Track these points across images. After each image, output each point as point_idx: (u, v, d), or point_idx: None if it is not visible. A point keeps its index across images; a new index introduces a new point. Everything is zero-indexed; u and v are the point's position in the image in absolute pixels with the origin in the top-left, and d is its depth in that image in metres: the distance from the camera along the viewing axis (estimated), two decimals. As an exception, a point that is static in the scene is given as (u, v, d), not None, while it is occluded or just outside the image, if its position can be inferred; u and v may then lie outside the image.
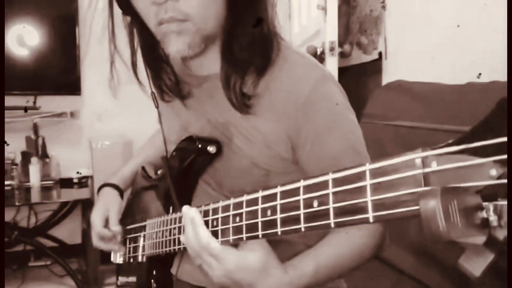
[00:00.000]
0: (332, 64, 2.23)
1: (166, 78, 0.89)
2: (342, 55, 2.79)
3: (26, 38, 2.72)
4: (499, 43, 1.65)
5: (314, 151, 0.77)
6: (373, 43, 2.59)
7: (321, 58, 2.26)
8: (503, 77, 1.57)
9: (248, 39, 0.76)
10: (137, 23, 0.82)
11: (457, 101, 1.55)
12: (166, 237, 0.84)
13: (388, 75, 2.34)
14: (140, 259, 0.97)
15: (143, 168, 1.10)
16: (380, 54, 2.48)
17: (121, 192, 1.07)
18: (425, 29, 2.08)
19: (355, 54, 2.81)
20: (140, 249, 0.97)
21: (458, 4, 1.90)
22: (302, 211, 0.50)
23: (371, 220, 0.40)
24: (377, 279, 1.50)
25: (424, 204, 0.32)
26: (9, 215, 2.73)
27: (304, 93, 0.75)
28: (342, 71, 2.53)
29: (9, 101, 2.59)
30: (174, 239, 0.80)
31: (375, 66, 2.52)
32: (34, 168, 2.62)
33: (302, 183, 0.50)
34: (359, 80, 2.77)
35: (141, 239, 0.97)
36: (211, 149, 0.82)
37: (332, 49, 2.22)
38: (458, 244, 0.32)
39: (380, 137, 1.75)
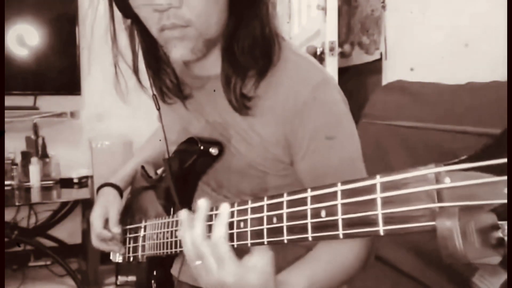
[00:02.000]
0: (332, 64, 2.23)
1: (167, 80, 0.89)
2: (342, 55, 2.79)
3: (26, 38, 2.71)
4: (499, 43, 1.65)
5: (308, 158, 0.76)
6: (375, 43, 2.58)
7: (321, 58, 2.25)
8: (503, 77, 1.57)
9: (249, 42, 0.76)
10: (137, 25, 0.82)
11: (457, 101, 1.55)
12: (167, 238, 0.83)
13: (388, 75, 2.34)
14: (140, 259, 0.97)
15: (142, 167, 1.10)
16: (381, 54, 2.48)
17: (120, 192, 1.07)
18: (425, 29, 2.08)
19: (357, 54, 2.81)
20: (140, 249, 0.97)
21: (458, 4, 1.90)
22: (309, 220, 0.49)
23: (381, 233, 0.40)
24: (377, 279, 1.51)
25: (441, 224, 0.32)
26: (9, 215, 2.73)
27: (303, 97, 0.75)
28: (343, 71, 2.53)
29: (9, 101, 2.58)
30: (176, 241, 0.80)
31: (375, 66, 2.52)
32: (34, 168, 2.62)
33: (309, 194, 0.49)
34: (359, 80, 2.77)
35: (141, 239, 0.97)
36: (213, 150, 0.82)
37: (332, 49, 2.22)
38: (473, 264, 0.32)
39: (380, 137, 1.75)
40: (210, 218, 0.65)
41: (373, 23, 2.60)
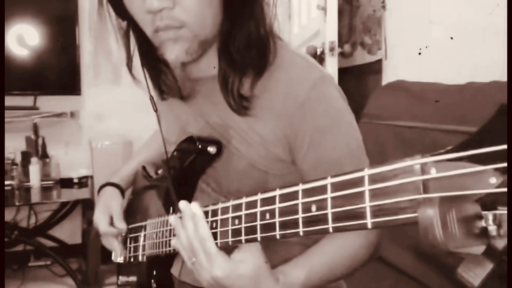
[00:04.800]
0: (332, 64, 2.24)
1: (165, 79, 0.89)
2: (342, 55, 2.79)
3: (26, 38, 2.72)
4: (499, 43, 1.65)
5: (311, 154, 0.76)
6: (377, 43, 2.58)
7: (321, 58, 2.26)
8: (503, 77, 1.57)
9: (244, 41, 0.76)
10: (134, 27, 0.82)
11: (457, 101, 1.54)
12: (166, 237, 0.84)
13: (388, 75, 2.34)
14: (140, 258, 0.97)
15: (143, 167, 1.10)
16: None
17: (122, 191, 1.07)
18: (425, 29, 2.08)
19: (360, 54, 2.81)
20: (141, 249, 0.97)
21: (458, 4, 1.90)
22: (300, 215, 0.49)
23: (369, 226, 0.40)
24: (377, 279, 1.51)
25: (422, 213, 0.32)
26: (9, 215, 2.73)
27: (302, 95, 0.75)
28: (343, 71, 2.53)
29: (9, 101, 2.59)
30: (175, 240, 0.80)
31: (375, 66, 2.52)
32: (34, 168, 2.62)
33: (300, 187, 0.50)
34: (359, 80, 2.77)
35: (141, 238, 0.97)
36: (212, 149, 0.82)
37: (332, 49, 2.22)
38: (457, 253, 0.32)
39: (380, 137, 1.75)
40: (206, 215, 0.68)
41: (375, 23, 2.59)
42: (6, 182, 2.56)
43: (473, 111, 1.44)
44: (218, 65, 0.80)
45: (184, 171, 0.87)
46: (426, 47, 2.04)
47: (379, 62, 2.48)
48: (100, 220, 0.99)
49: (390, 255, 1.53)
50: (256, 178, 0.82)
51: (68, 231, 2.95)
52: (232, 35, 0.76)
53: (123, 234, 1.02)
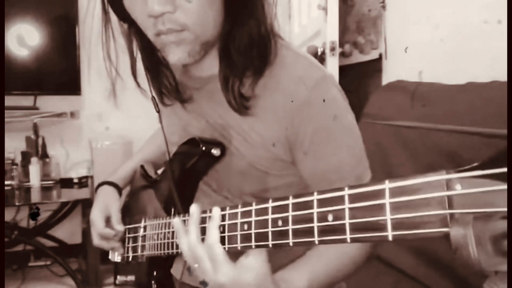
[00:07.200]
0: (333, 64, 2.24)
1: (166, 82, 0.89)
2: (343, 55, 2.79)
3: (26, 38, 2.72)
4: (499, 43, 1.65)
5: (311, 155, 0.76)
6: (371, 43, 2.58)
7: (321, 58, 2.26)
8: (503, 77, 1.57)
9: (245, 41, 0.76)
10: (135, 29, 0.82)
11: (457, 101, 1.55)
12: (168, 239, 0.83)
13: (388, 75, 2.34)
14: (139, 259, 0.97)
15: (142, 167, 1.10)
16: (380, 54, 2.48)
17: (119, 190, 1.06)
18: (425, 29, 2.09)
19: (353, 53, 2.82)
20: (139, 249, 0.96)
21: (458, 4, 1.90)
22: (316, 224, 0.49)
23: (390, 238, 0.40)
24: (377, 279, 1.51)
25: (456, 232, 0.32)
26: (9, 215, 2.73)
27: (303, 95, 0.75)
28: (344, 71, 2.53)
29: (9, 101, 2.58)
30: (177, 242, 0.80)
31: (375, 66, 2.52)
32: (34, 168, 2.62)
33: (315, 197, 0.49)
34: (359, 80, 2.77)
35: (140, 238, 0.96)
36: (215, 151, 0.81)
37: (333, 49, 2.22)
38: (484, 272, 0.32)
39: (380, 137, 1.75)
40: (204, 220, 0.67)
41: (370, 22, 2.59)
42: (6, 182, 2.56)
43: (473, 111, 1.44)
44: (219, 65, 0.80)
45: (186, 172, 0.87)
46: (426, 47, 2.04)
47: (378, 62, 2.48)
48: (96, 220, 0.99)
49: (390, 255, 1.53)
50: (256, 178, 0.82)
51: (68, 231, 2.95)
52: (233, 34, 0.76)
53: (120, 236, 1.01)
